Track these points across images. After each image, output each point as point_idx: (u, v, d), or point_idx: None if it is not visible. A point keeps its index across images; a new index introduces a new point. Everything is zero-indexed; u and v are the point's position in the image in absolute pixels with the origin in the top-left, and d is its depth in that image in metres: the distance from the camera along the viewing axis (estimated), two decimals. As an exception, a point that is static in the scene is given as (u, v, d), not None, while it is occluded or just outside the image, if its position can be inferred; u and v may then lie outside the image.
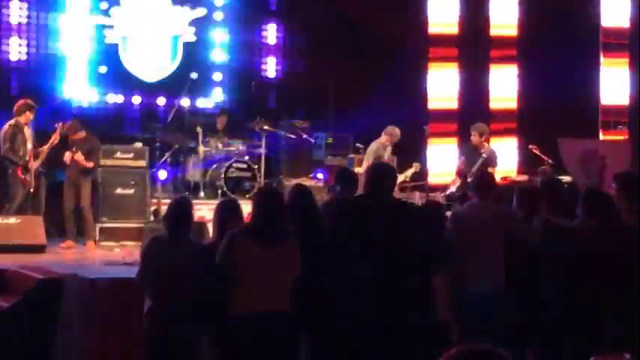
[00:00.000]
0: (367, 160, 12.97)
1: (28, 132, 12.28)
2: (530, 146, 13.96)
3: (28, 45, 14.89)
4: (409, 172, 13.29)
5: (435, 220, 7.53)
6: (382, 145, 13.36)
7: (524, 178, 13.66)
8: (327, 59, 16.74)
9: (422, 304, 6.59)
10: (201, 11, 15.95)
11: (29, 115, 12.26)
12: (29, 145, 12.22)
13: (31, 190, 12.15)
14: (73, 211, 12.66)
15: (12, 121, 12.22)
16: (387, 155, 13.26)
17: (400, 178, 12.83)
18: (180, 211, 7.34)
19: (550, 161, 13.39)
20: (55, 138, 12.32)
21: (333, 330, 6.52)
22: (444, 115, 16.16)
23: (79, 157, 12.61)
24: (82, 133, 12.82)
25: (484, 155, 12.55)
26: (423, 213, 7.39)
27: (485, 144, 12.89)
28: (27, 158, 12.13)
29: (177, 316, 7.02)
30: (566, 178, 12.70)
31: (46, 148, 12.28)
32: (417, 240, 6.62)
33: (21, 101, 12.34)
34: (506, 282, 7.29)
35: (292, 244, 6.53)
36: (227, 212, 7.37)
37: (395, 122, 14.16)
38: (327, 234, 6.74)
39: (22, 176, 12.08)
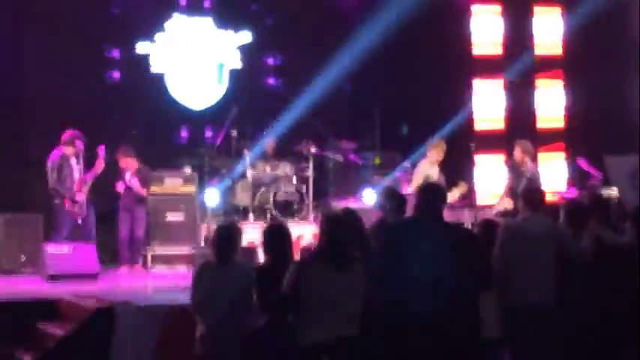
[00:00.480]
0: (416, 181, 12.72)
1: (74, 162, 12.41)
2: (578, 159, 13.88)
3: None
4: (457, 190, 13.14)
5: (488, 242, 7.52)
6: (430, 163, 13.06)
7: (573, 193, 13.59)
8: (372, 79, 16.81)
9: (472, 327, 6.51)
10: (245, 36, 16.05)
11: (78, 146, 12.39)
12: (76, 175, 12.34)
13: (79, 221, 12.29)
14: (128, 238, 12.82)
15: (59, 152, 12.36)
16: (436, 174, 12.97)
17: (449, 197, 12.80)
18: (226, 237, 7.42)
19: (599, 175, 13.30)
20: (98, 166, 12.44)
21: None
22: (490, 136, 16.07)
23: (135, 183, 12.78)
24: (134, 161, 12.96)
25: (528, 175, 12.42)
26: (475, 238, 7.30)
27: (528, 162, 12.69)
28: (74, 189, 12.26)
29: (228, 338, 7.09)
30: (615, 193, 12.60)
31: (90, 177, 12.40)
32: (468, 266, 6.52)
33: (68, 131, 12.48)
34: (559, 299, 7.25)
35: (359, 268, 6.57)
36: (278, 236, 7.42)
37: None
38: (376, 260, 6.73)
39: (71, 208, 12.22)
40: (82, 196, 12.27)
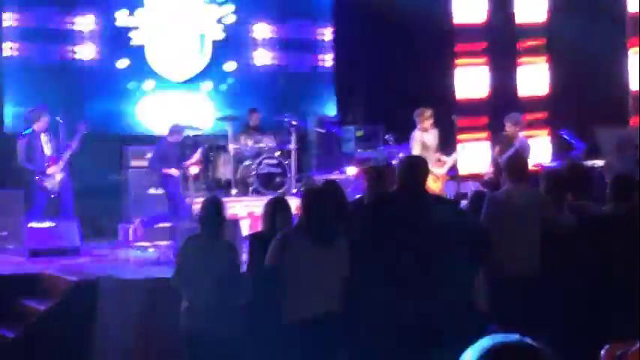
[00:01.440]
0: (414, 150, 12.72)
1: (45, 138, 12.34)
2: (561, 131, 13.88)
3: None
4: (451, 159, 13.16)
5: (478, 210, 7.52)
6: (422, 131, 13.05)
7: (556, 164, 13.59)
8: (355, 52, 16.77)
9: (462, 297, 6.45)
10: (228, 8, 15.96)
11: (44, 120, 12.32)
12: (47, 151, 12.27)
13: (52, 195, 12.21)
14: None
15: (28, 130, 12.30)
16: (431, 139, 12.96)
17: (449, 162, 12.85)
18: (212, 210, 7.39)
19: (581, 146, 13.30)
20: (75, 141, 12.38)
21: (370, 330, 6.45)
22: (473, 107, 16.05)
23: None
24: None
25: (517, 145, 12.49)
26: (456, 207, 7.26)
27: (520, 134, 12.82)
28: (45, 164, 12.19)
29: (213, 316, 7.07)
30: (597, 163, 12.61)
31: (66, 153, 12.33)
32: (451, 234, 6.44)
33: (36, 107, 12.43)
34: (543, 268, 7.26)
35: (342, 243, 6.54)
36: (277, 208, 7.41)
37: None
38: (361, 234, 6.66)
39: (42, 183, 12.15)
40: (54, 170, 12.17)
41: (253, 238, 7.49)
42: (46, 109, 12.40)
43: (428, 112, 13.11)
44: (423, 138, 12.89)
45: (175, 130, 12.38)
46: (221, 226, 7.39)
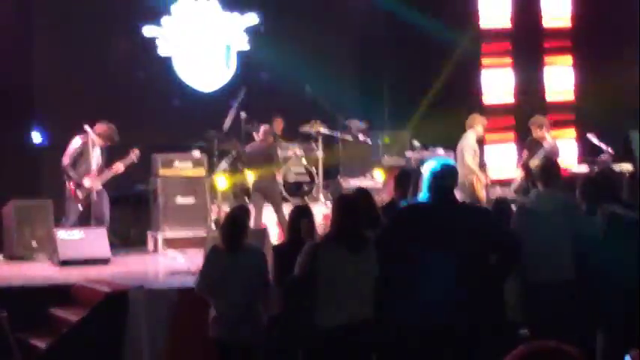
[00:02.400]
0: (468, 155, 12.68)
1: (97, 152, 12.39)
2: (589, 135, 13.82)
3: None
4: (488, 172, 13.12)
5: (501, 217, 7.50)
6: (477, 138, 13.02)
7: (583, 168, 13.55)
8: (379, 58, 16.77)
9: (492, 304, 6.42)
10: (252, 18, 16.00)
11: (107, 141, 12.40)
12: (93, 165, 12.32)
13: (80, 208, 12.27)
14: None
15: (84, 136, 12.33)
16: (477, 147, 12.99)
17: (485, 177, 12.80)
18: (234, 222, 7.44)
19: (609, 150, 13.24)
20: (120, 166, 12.48)
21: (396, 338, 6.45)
22: (500, 110, 16.02)
23: None
24: None
25: (547, 148, 12.47)
26: (487, 214, 7.23)
27: (547, 136, 12.78)
28: (84, 175, 12.24)
29: (240, 323, 7.11)
30: (625, 167, 12.56)
31: (110, 172, 12.41)
32: (482, 241, 6.40)
33: (108, 126, 12.43)
34: (576, 273, 7.23)
35: (372, 250, 6.54)
36: (303, 217, 7.45)
37: (451, 119, 14.13)
38: (388, 240, 6.64)
39: (74, 193, 12.22)
40: (90, 183, 12.23)
41: (276, 250, 7.51)
42: (116, 132, 12.45)
43: (484, 120, 13.14)
44: (476, 146, 12.85)
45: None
46: (242, 235, 7.42)
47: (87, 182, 12.23)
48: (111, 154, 12.61)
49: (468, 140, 12.85)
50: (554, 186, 7.59)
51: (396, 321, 6.34)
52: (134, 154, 12.53)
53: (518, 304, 7.15)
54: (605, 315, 7.15)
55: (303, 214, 7.56)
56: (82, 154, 12.28)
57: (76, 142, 12.31)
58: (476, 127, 12.89)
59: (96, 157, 12.35)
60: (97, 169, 12.32)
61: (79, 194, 12.24)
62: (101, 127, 12.36)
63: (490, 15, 16.28)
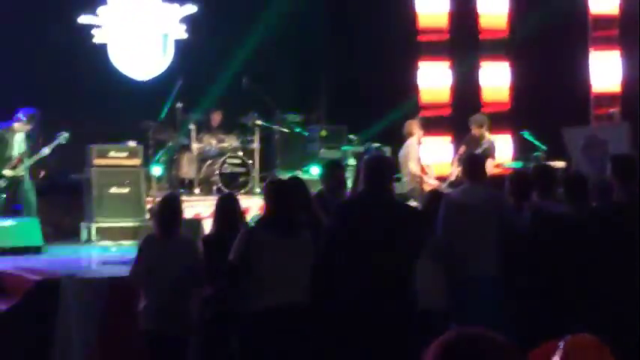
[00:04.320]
0: (413, 163, 12.88)
1: (20, 137, 12.27)
2: (522, 132, 13.97)
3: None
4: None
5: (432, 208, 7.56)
6: (418, 143, 13.15)
7: (517, 164, 13.69)
8: (318, 50, 16.79)
9: (404, 293, 6.49)
10: (190, 8, 15.91)
11: (30, 125, 12.26)
12: (15, 153, 12.20)
13: (3, 195, 12.14)
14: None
15: (5, 125, 12.21)
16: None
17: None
18: (169, 209, 7.38)
19: (543, 147, 13.39)
20: (45, 150, 12.32)
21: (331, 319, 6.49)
22: (436, 108, 16.10)
23: None
24: None
25: (484, 146, 12.62)
26: (418, 214, 7.30)
27: (487, 134, 12.96)
28: (6, 163, 12.11)
29: (168, 314, 7.07)
30: (559, 164, 12.71)
31: (32, 159, 12.26)
32: (409, 240, 6.49)
33: (30, 109, 12.32)
34: (503, 268, 7.30)
35: (307, 235, 6.57)
36: (227, 206, 7.44)
37: (388, 114, 14.23)
38: (327, 231, 6.69)
39: None
40: (12, 172, 12.11)
41: (205, 243, 7.48)
42: (38, 115, 12.32)
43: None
44: (418, 152, 13.01)
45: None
46: (178, 224, 7.38)
47: (7, 172, 12.10)
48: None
49: (410, 148, 12.99)
50: (481, 181, 7.67)
51: (328, 308, 6.39)
52: (62, 137, 12.38)
53: (446, 296, 7.22)
54: (526, 311, 7.23)
55: (227, 202, 7.55)
56: (1, 142, 12.14)
57: None
58: (416, 133, 13.04)
59: (17, 144, 12.21)
60: (20, 156, 12.17)
61: (1, 183, 12.10)
62: (25, 111, 12.28)
63: (427, 12, 16.33)
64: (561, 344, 2.61)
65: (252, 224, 7.02)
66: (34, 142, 12.32)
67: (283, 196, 6.64)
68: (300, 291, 6.48)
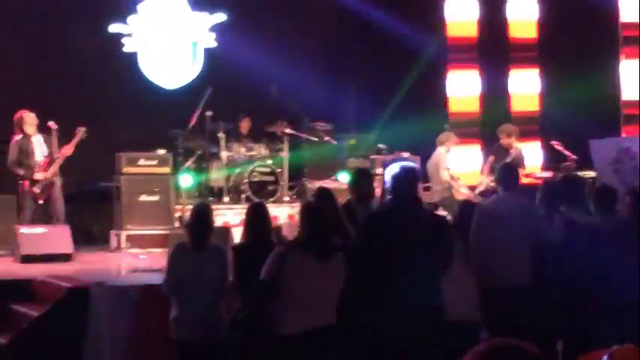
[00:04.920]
0: (444, 172, 12.99)
1: (37, 140, 12.33)
2: (552, 142, 13.92)
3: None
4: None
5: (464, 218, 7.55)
6: (447, 153, 13.20)
7: (547, 174, 13.63)
8: (346, 60, 16.80)
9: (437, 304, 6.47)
10: (220, 17, 15.97)
11: (32, 124, 12.30)
12: (37, 157, 12.27)
13: (40, 201, 12.20)
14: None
15: (19, 135, 12.29)
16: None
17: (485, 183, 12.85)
18: (200, 219, 7.39)
19: (573, 157, 13.34)
20: (69, 147, 12.37)
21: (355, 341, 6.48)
22: (465, 117, 16.06)
23: None
24: None
25: (513, 155, 12.65)
26: (447, 223, 7.28)
27: (515, 144, 13.02)
28: (34, 169, 12.18)
29: (200, 323, 7.08)
30: (590, 174, 12.64)
31: (60, 158, 12.32)
32: (439, 248, 6.47)
33: (18, 113, 12.38)
34: (533, 277, 7.28)
35: (339, 257, 6.57)
36: (258, 215, 7.44)
37: (417, 123, 14.21)
38: (355, 242, 6.70)
39: (29, 189, 12.15)
40: (42, 175, 12.18)
41: (235, 250, 7.48)
42: (34, 114, 12.36)
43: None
44: (447, 160, 13.06)
45: None
46: (209, 233, 7.39)
47: (39, 175, 12.17)
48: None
49: (439, 157, 13.04)
50: (514, 190, 7.66)
51: (362, 329, 6.37)
52: (80, 132, 12.42)
53: (478, 305, 7.19)
54: (562, 321, 7.21)
55: (257, 211, 7.55)
56: (22, 149, 12.22)
57: (13, 141, 12.26)
58: (447, 144, 13.11)
59: (39, 147, 12.28)
60: (45, 159, 12.25)
61: (36, 190, 12.17)
62: (15, 116, 12.34)
63: (457, 21, 16.30)
64: (605, 357, 2.58)
65: (286, 245, 6.99)
66: (51, 145, 12.36)
67: (318, 219, 6.63)
68: (328, 314, 6.48)
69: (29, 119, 12.27)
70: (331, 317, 6.48)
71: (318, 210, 6.81)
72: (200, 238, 7.30)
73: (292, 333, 6.39)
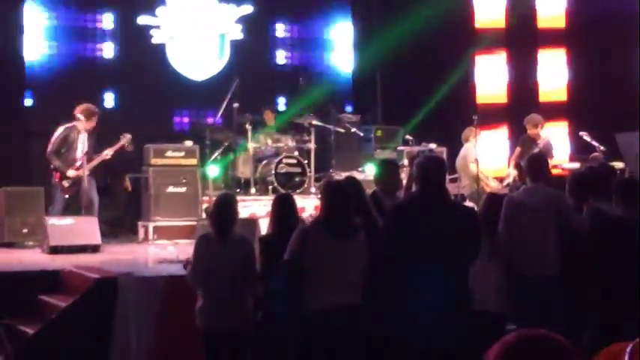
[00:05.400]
0: (471, 165, 12.99)
1: (84, 137, 12.36)
2: (581, 133, 13.83)
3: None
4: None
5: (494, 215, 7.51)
6: (474, 147, 13.17)
7: (575, 165, 13.56)
8: (373, 50, 16.77)
9: (463, 295, 6.44)
10: (247, 8, 15.99)
11: (92, 122, 12.35)
12: (79, 152, 12.32)
13: (66, 196, 12.27)
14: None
15: (69, 124, 12.32)
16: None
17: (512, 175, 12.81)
18: (223, 209, 7.41)
19: (602, 148, 13.25)
20: (110, 152, 12.44)
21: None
22: (492, 107, 16.02)
23: None
24: None
25: (540, 146, 12.59)
26: (475, 214, 7.25)
27: (542, 134, 12.97)
28: (70, 165, 12.24)
29: (225, 312, 7.11)
30: (619, 165, 12.57)
31: (95, 160, 12.38)
32: (467, 238, 6.44)
33: (84, 106, 12.41)
34: (564, 269, 7.26)
35: (362, 237, 6.57)
36: (284, 207, 7.46)
37: (445, 113, 14.18)
38: (382, 233, 6.68)
39: (60, 182, 12.22)
40: (74, 174, 12.23)
41: (262, 241, 7.49)
42: (96, 112, 12.43)
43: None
44: (476, 155, 13.03)
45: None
46: (232, 223, 7.41)
47: (71, 173, 12.21)
48: (103, 143, 12.57)
49: (468, 151, 13.11)
50: (543, 181, 7.63)
51: (382, 309, 6.37)
52: (125, 139, 12.48)
53: (504, 296, 7.18)
54: (590, 311, 7.18)
55: (284, 202, 7.56)
56: (66, 141, 12.25)
57: (59, 130, 12.29)
58: (472, 139, 13.09)
59: (82, 144, 12.30)
60: (83, 156, 12.25)
61: (65, 184, 12.23)
62: (80, 107, 12.32)
63: (484, 13, 16.26)
64: (629, 348, 2.56)
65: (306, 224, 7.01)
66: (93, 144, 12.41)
67: (339, 197, 6.62)
68: (355, 292, 6.47)
69: (95, 118, 12.31)
70: (356, 297, 6.47)
71: (339, 187, 6.81)
72: (223, 229, 7.32)
73: (316, 311, 6.39)
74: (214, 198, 12.41)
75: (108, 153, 12.42)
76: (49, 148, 12.24)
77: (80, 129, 12.27)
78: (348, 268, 6.46)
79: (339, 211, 6.56)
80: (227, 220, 7.36)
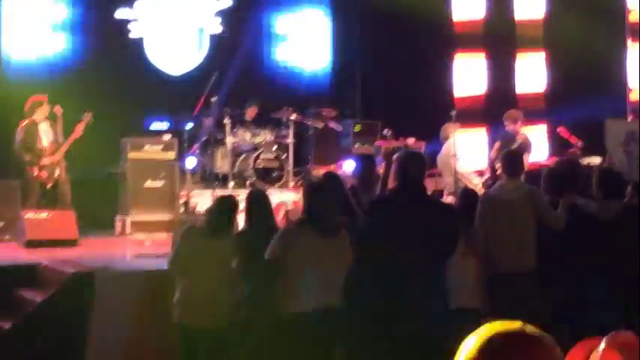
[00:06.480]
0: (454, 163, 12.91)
1: (45, 127, 12.41)
2: (558, 129, 13.88)
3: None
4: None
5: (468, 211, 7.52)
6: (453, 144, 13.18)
7: (552, 161, 13.61)
8: (354, 46, 16.77)
9: (439, 291, 6.47)
10: (225, 2, 15.93)
11: (43, 111, 12.39)
12: (45, 142, 12.33)
13: (48, 185, 12.26)
14: None
15: (25, 121, 12.38)
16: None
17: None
18: (224, 212, 7.40)
19: (579, 143, 13.30)
20: (76, 131, 12.44)
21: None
22: (471, 102, 16.04)
23: None
24: None
25: (519, 141, 12.59)
26: (452, 210, 7.27)
27: (521, 130, 12.95)
28: (41, 154, 12.24)
29: (204, 307, 7.09)
30: (595, 160, 12.63)
31: (66, 142, 12.39)
32: (444, 234, 6.46)
33: (30, 98, 12.51)
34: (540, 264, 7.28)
35: (343, 235, 6.56)
36: (259, 203, 7.44)
37: (423, 109, 14.17)
38: (360, 228, 6.69)
39: (37, 173, 12.22)
40: (50, 160, 12.23)
41: (237, 236, 7.48)
42: (45, 99, 12.44)
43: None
44: (456, 152, 12.99)
45: None
46: (227, 227, 7.40)
47: (46, 160, 12.24)
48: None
49: (449, 147, 13.01)
50: (518, 176, 7.66)
51: (360, 306, 6.38)
52: (87, 118, 12.55)
53: (480, 292, 7.19)
54: (564, 307, 7.21)
55: (257, 198, 7.55)
56: (29, 135, 12.27)
57: (19, 127, 12.38)
58: (451, 136, 13.01)
59: (44, 133, 12.36)
60: (50, 144, 12.37)
61: (44, 174, 12.23)
62: (27, 103, 12.46)
63: (463, 8, 16.28)
64: (603, 342, 2.57)
65: (290, 224, 7.01)
66: (56, 131, 12.45)
67: (321, 197, 6.62)
68: (334, 293, 6.47)
69: (44, 105, 12.36)
70: (335, 298, 6.47)
71: (320, 188, 6.81)
72: (217, 228, 7.31)
73: (300, 311, 6.38)
74: (192, 192, 12.50)
75: (76, 133, 12.46)
76: (16, 147, 12.37)
77: (37, 120, 12.35)
78: (331, 268, 6.47)
79: (320, 211, 6.56)
80: (223, 222, 7.34)
